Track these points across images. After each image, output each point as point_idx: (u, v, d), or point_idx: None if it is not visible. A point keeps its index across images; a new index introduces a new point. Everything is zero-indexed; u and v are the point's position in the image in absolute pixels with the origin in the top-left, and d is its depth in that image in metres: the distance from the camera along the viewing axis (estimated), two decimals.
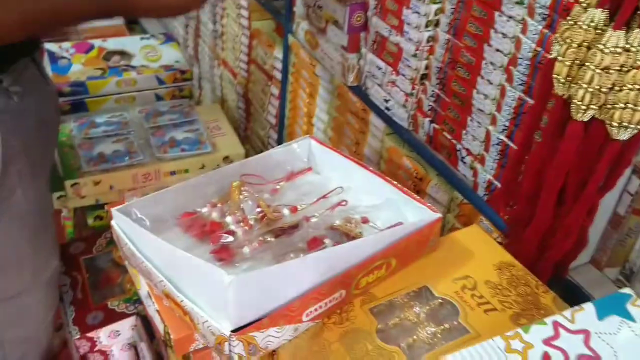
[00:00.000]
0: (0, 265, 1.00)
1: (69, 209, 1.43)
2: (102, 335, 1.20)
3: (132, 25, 2.67)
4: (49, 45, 1.60)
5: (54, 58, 1.56)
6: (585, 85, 0.62)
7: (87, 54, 1.59)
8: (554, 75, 0.66)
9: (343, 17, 1.11)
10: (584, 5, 0.62)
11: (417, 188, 1.07)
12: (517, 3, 0.78)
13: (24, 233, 1.02)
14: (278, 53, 1.50)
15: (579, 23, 0.62)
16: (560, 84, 0.65)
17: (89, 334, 1.18)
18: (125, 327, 1.21)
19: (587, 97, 0.62)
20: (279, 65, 1.50)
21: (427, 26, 0.95)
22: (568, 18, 0.64)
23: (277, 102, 1.57)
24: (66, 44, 1.61)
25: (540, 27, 0.75)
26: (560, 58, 0.64)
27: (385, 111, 1.10)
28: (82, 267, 1.31)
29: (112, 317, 1.21)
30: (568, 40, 0.63)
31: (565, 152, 0.66)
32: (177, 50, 1.71)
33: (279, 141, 1.58)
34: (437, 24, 0.94)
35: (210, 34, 1.89)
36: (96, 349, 1.21)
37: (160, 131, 1.45)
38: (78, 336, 1.17)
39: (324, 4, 1.17)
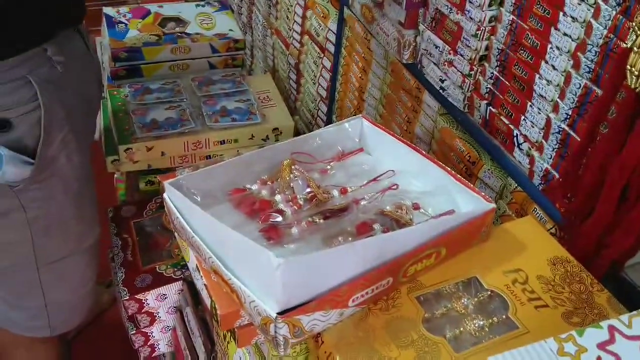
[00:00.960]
0: (45, 228, 1.04)
1: (121, 172, 1.47)
2: (150, 298, 1.24)
3: None
4: (107, 10, 1.62)
5: (111, 22, 1.58)
6: None
7: (143, 19, 1.60)
8: (628, 67, 0.62)
9: None
10: None
11: (468, 172, 1.05)
12: None
13: (69, 198, 1.05)
14: (332, 25, 1.48)
15: None
16: (634, 77, 0.61)
17: (137, 296, 1.22)
18: (172, 292, 1.25)
19: None
20: (333, 38, 1.48)
21: (490, 5, 0.91)
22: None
23: (328, 75, 1.55)
24: (124, 9, 1.63)
25: (614, 13, 0.71)
26: (636, 49, 0.61)
27: (440, 91, 1.07)
28: (132, 230, 1.34)
29: (160, 280, 1.24)
30: None
31: (634, 148, 0.62)
32: (231, 19, 1.70)
33: (329, 115, 1.57)
34: (501, 3, 0.90)
35: (265, 3, 1.87)
36: (144, 310, 1.25)
37: (212, 100, 1.46)
38: (127, 297, 1.21)
39: None
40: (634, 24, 0.61)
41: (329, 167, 0.79)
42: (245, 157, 0.78)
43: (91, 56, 1.10)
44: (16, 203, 0.98)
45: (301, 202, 0.71)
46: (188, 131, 1.37)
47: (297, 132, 1.61)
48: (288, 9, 1.71)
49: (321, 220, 0.69)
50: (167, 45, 1.54)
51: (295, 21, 1.68)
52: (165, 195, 0.71)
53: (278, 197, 0.72)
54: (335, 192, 0.73)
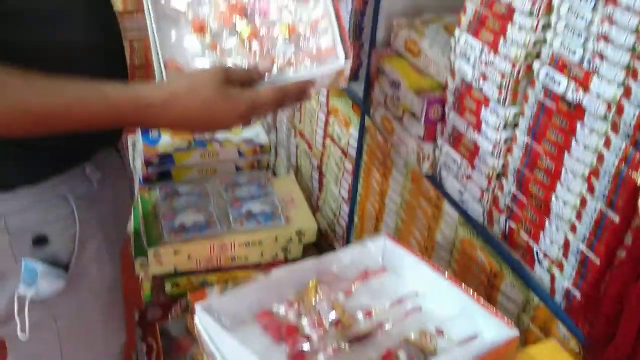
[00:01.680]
0: (74, 337, 1.06)
1: (148, 274, 1.50)
2: None
3: None
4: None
5: (144, 131, 1.68)
6: None
7: None
8: None
9: (420, 110, 1.14)
10: None
11: (490, 283, 1.06)
12: (600, 118, 0.78)
13: (98, 306, 1.07)
14: (354, 131, 1.54)
15: None
16: None
17: None
18: None
19: None
20: (354, 144, 1.54)
21: (505, 127, 0.96)
22: None
23: (350, 178, 1.60)
24: None
25: (624, 144, 0.75)
26: None
27: (460, 203, 1.11)
28: (157, 334, 1.36)
29: None
30: None
31: None
32: (257, 124, 1.79)
33: (351, 215, 1.61)
34: (516, 124, 0.95)
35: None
36: None
37: (238, 203, 1.52)
38: None
39: (401, 95, 1.20)
40: None
41: (353, 287, 0.82)
42: (273, 278, 0.81)
43: (125, 169, 1.16)
44: (47, 314, 1.01)
45: (327, 326, 0.73)
46: (214, 234, 1.41)
47: (320, 233, 1.64)
48: (312, 113, 1.80)
49: (347, 345, 0.71)
50: (196, 150, 1.62)
51: (318, 125, 1.76)
52: (196, 320, 0.74)
53: (304, 321, 0.74)
54: (360, 316, 0.75)
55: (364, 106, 1.42)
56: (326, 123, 1.71)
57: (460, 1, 1.01)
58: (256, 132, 1.76)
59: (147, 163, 1.58)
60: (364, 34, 1.43)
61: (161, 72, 0.78)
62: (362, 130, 1.47)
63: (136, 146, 1.73)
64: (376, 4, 1.31)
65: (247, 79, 0.78)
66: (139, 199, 1.52)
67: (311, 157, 1.84)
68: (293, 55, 0.82)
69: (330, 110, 1.68)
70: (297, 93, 0.81)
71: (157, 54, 0.79)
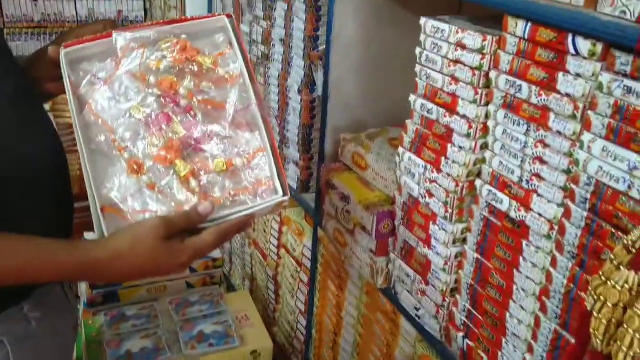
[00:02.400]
0: None
1: None
2: None
3: None
4: (87, 235, 1.65)
5: None
6: (625, 349, 0.59)
7: None
8: (591, 330, 0.63)
9: (370, 224, 1.13)
10: (615, 263, 0.62)
11: None
12: (544, 236, 0.79)
13: None
14: (307, 242, 1.53)
15: (611, 282, 0.61)
16: (599, 340, 0.63)
17: None
18: None
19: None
20: (309, 254, 1.52)
21: (454, 243, 0.96)
22: (600, 273, 0.63)
23: (306, 289, 1.56)
24: None
25: (570, 264, 0.75)
26: (595, 314, 0.63)
27: (416, 318, 1.08)
28: None
29: None
30: (602, 298, 0.62)
31: None
32: None
33: (308, 328, 1.55)
34: (464, 240, 0.95)
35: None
36: None
37: (189, 324, 1.44)
38: None
39: (351, 209, 1.20)
40: (590, 288, 0.64)
41: None
42: None
43: (68, 301, 1.10)
44: None
45: None
46: None
47: (276, 349, 1.57)
48: (264, 222, 1.78)
49: None
50: None
51: (271, 234, 1.74)
52: None
53: None
54: None
55: (315, 217, 1.41)
56: (279, 232, 1.69)
57: (401, 116, 1.04)
58: None
59: (92, 285, 1.51)
60: (312, 146, 1.46)
61: (99, 222, 0.77)
62: (315, 241, 1.45)
63: None
64: (323, 119, 1.34)
65: (188, 225, 0.78)
66: (82, 325, 1.43)
67: (266, 267, 1.80)
68: (231, 190, 0.81)
69: (283, 219, 1.66)
70: (238, 227, 0.81)
71: (94, 200, 0.77)
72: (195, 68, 0.85)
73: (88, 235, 1.67)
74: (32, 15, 2.53)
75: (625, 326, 0.60)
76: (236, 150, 0.83)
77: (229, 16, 0.90)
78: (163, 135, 0.81)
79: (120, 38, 0.83)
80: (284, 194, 0.84)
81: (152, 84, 0.83)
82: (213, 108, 0.86)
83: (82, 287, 1.58)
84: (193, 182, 0.80)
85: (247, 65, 0.88)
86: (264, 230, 1.79)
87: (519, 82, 0.78)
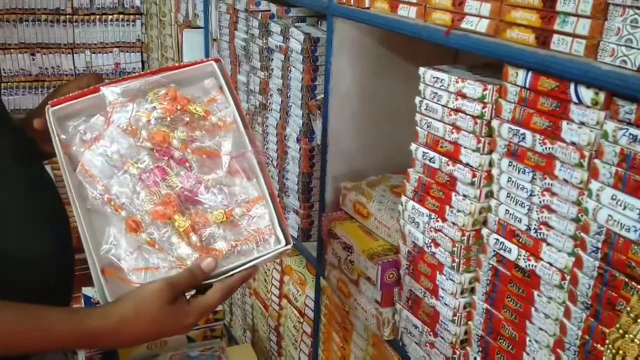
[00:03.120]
0: None
1: None
2: None
3: None
4: (85, 290, 1.63)
5: (89, 302, 1.58)
6: None
7: None
8: None
9: (375, 275, 1.11)
10: (633, 315, 0.60)
11: None
12: (556, 286, 0.77)
13: None
14: (310, 292, 1.50)
15: (630, 335, 0.59)
16: None
17: None
18: None
19: None
20: (311, 304, 1.49)
21: (462, 293, 0.94)
22: (617, 326, 0.61)
23: (309, 341, 1.52)
24: None
25: (584, 315, 0.73)
26: None
27: None
28: None
29: None
30: (622, 352, 0.60)
31: None
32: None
33: None
34: (473, 290, 0.93)
35: None
36: None
37: None
38: None
39: (355, 259, 1.18)
40: (607, 342, 0.62)
41: None
42: None
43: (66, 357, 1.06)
44: None
45: None
46: None
47: None
48: (266, 272, 1.75)
49: None
50: None
51: (273, 284, 1.71)
52: None
53: None
54: None
55: (318, 267, 1.39)
56: (281, 282, 1.66)
57: (401, 164, 1.03)
58: None
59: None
60: (312, 194, 1.45)
61: (102, 287, 0.75)
62: (318, 291, 1.42)
63: None
64: (323, 167, 1.34)
65: (192, 284, 0.77)
66: None
67: (268, 318, 1.76)
68: (233, 241, 0.80)
69: (284, 269, 1.64)
70: (242, 280, 0.79)
71: (94, 262, 0.75)
72: (187, 118, 0.85)
73: (87, 290, 1.64)
74: (30, 70, 2.55)
75: None
76: (235, 200, 0.82)
77: (217, 61, 0.89)
78: (159, 190, 0.80)
79: (108, 92, 0.82)
80: (287, 242, 0.82)
81: (144, 138, 0.82)
82: (208, 157, 0.85)
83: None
84: (194, 237, 0.78)
85: (239, 110, 0.88)
86: (265, 280, 1.76)
87: (522, 130, 0.78)
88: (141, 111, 0.82)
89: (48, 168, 1.16)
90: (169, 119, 0.83)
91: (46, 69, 2.57)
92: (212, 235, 0.79)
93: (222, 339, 1.63)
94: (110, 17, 2.61)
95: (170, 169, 0.81)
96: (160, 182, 0.81)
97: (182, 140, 0.84)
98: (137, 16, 2.65)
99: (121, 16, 2.63)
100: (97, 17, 2.60)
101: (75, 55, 2.60)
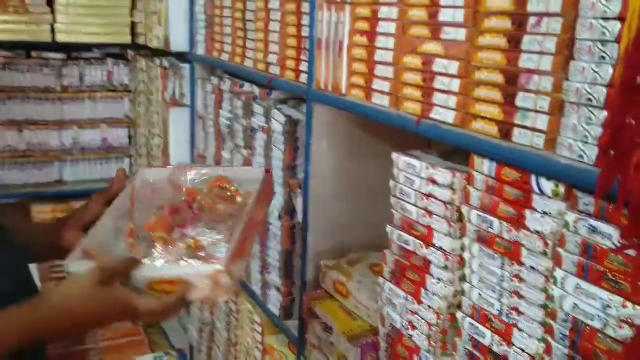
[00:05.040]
0: None
1: None
2: None
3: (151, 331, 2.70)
4: None
5: None
6: None
7: None
8: None
9: (354, 357, 1.10)
10: None
11: None
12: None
13: None
14: None
15: None
16: None
17: None
18: None
19: None
20: None
21: None
22: None
23: None
24: None
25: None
26: None
27: None
28: None
29: None
30: None
31: None
32: None
33: None
34: None
35: (225, 342, 1.89)
36: None
37: None
38: None
39: (335, 341, 1.17)
40: None
41: None
42: None
43: None
44: None
45: None
46: None
47: None
48: (247, 350, 1.72)
49: None
50: None
51: None
52: None
53: None
54: None
55: (299, 347, 1.38)
56: None
57: (381, 240, 1.05)
58: None
59: None
60: (294, 271, 1.45)
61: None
62: None
63: None
64: (303, 245, 1.35)
65: (123, 266, 0.83)
66: None
67: None
68: (184, 256, 0.88)
69: (266, 348, 1.61)
70: (179, 300, 0.83)
71: None
72: (222, 192, 1.03)
73: None
74: (16, 145, 2.58)
75: None
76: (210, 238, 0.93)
77: (267, 171, 1.08)
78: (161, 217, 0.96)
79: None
80: (222, 265, 0.83)
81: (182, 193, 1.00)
82: (216, 220, 0.97)
83: None
84: (160, 244, 0.90)
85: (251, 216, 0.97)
86: (247, 358, 1.73)
87: (490, 217, 0.81)
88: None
89: None
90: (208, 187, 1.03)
91: (33, 144, 2.60)
92: (174, 248, 0.90)
93: None
94: (99, 94, 2.68)
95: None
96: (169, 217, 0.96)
97: (206, 202, 1.00)
98: (125, 93, 2.72)
99: (110, 93, 2.69)
100: (87, 94, 2.66)
101: (63, 131, 2.64)
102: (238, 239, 0.89)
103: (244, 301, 1.70)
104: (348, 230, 1.37)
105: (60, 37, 2.50)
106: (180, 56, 2.10)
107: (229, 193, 1.02)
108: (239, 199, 1.02)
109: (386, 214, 1.02)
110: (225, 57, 1.72)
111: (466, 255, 0.87)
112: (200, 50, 1.94)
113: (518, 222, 0.77)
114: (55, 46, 2.55)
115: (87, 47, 2.67)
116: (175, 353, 1.76)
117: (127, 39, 2.61)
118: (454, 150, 0.97)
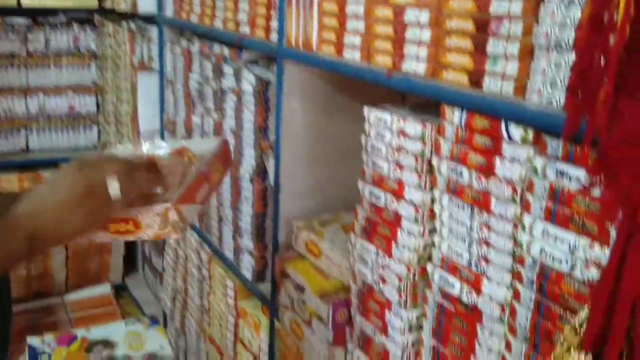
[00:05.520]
0: None
1: None
2: None
3: (120, 294, 2.69)
4: (31, 340, 1.56)
5: (34, 354, 1.51)
6: None
7: (69, 346, 1.54)
8: None
9: (327, 314, 1.10)
10: (565, 346, 0.61)
11: None
12: (497, 320, 0.78)
13: None
14: (264, 335, 1.47)
15: None
16: None
17: None
18: None
19: None
20: (266, 348, 1.46)
21: (410, 330, 0.94)
22: (552, 357, 0.63)
23: None
24: (49, 337, 1.58)
25: (524, 347, 0.74)
26: None
27: None
28: None
29: None
30: None
31: None
32: (162, 335, 1.67)
33: None
34: (420, 327, 0.94)
35: (197, 309, 1.88)
36: None
37: None
38: None
39: (307, 299, 1.17)
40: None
41: None
42: None
43: None
44: None
45: None
46: None
47: None
48: (220, 316, 1.72)
49: None
50: None
51: (228, 329, 1.67)
52: None
53: None
54: None
55: (272, 309, 1.38)
56: (236, 326, 1.63)
57: (354, 202, 1.05)
58: (160, 343, 1.63)
59: None
60: (266, 234, 1.44)
61: None
62: (273, 334, 1.40)
63: None
64: (275, 207, 1.34)
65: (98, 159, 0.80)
66: None
67: None
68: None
69: (239, 312, 1.61)
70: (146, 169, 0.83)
71: None
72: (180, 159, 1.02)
73: (32, 340, 1.58)
74: None
75: None
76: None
77: (225, 142, 1.03)
78: None
79: None
80: (171, 203, 0.83)
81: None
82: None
83: None
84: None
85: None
86: (220, 325, 1.73)
87: (460, 167, 0.81)
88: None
89: None
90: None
91: None
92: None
93: None
94: (65, 60, 2.60)
95: None
96: None
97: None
98: (92, 59, 2.65)
99: (76, 59, 2.62)
100: (52, 60, 2.58)
101: (28, 98, 2.57)
102: (189, 184, 0.89)
103: (216, 267, 1.69)
104: (321, 192, 1.36)
105: (25, 2, 2.42)
106: (149, 19, 2.04)
107: (186, 158, 1.03)
108: (195, 163, 1.03)
109: (360, 175, 1.01)
110: (194, 18, 1.67)
111: (437, 207, 0.87)
112: (168, 12, 1.88)
113: (487, 171, 0.77)
114: (21, 11, 2.46)
115: (53, 11, 2.59)
116: (147, 319, 1.74)
117: (93, 3, 2.53)
118: (427, 103, 0.96)
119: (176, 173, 0.99)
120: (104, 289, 2.61)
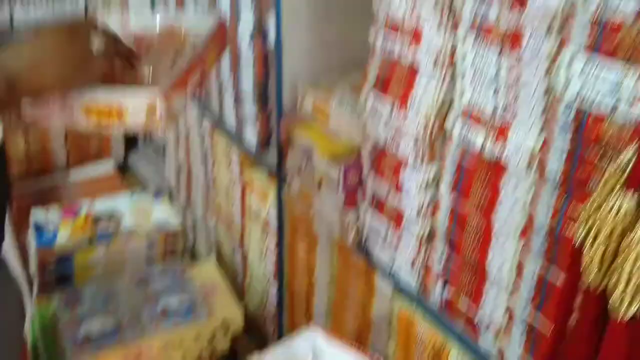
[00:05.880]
0: None
1: None
2: None
3: (123, 172, 2.66)
4: (35, 214, 1.54)
5: (39, 229, 1.50)
6: (624, 280, 0.53)
7: (74, 218, 1.53)
8: (584, 265, 0.57)
9: (337, 177, 1.05)
10: (608, 187, 0.55)
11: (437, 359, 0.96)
12: (524, 170, 0.72)
13: None
14: (272, 204, 1.44)
15: (605, 208, 0.55)
16: (593, 275, 0.57)
17: None
18: None
19: (630, 290, 0.54)
20: (274, 215, 1.44)
21: (426, 188, 0.89)
22: (591, 200, 0.57)
23: (274, 255, 1.49)
24: (53, 210, 1.56)
25: (554, 198, 0.68)
26: (587, 247, 0.56)
27: (391, 273, 1.01)
28: None
29: None
30: (596, 228, 0.55)
31: (608, 356, 0.56)
32: (168, 206, 1.65)
33: (279, 295, 1.48)
34: (437, 184, 0.88)
35: (203, 182, 1.85)
36: None
37: (152, 300, 1.36)
38: None
39: (316, 164, 1.12)
40: (580, 219, 0.58)
41: None
42: None
43: (11, 282, 1.00)
44: None
45: None
46: (126, 341, 1.24)
47: (249, 319, 1.50)
48: (227, 187, 1.69)
49: None
50: (100, 245, 1.46)
51: (234, 199, 1.65)
52: None
53: None
54: None
55: (279, 176, 1.33)
56: (243, 196, 1.60)
57: (363, 61, 0.96)
58: (167, 214, 1.62)
59: (42, 267, 1.40)
60: (269, 102, 1.36)
61: None
62: (280, 202, 1.37)
63: (29, 249, 1.55)
64: (278, 70, 1.25)
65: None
66: (36, 310, 1.33)
67: (231, 235, 1.72)
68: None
69: (245, 181, 1.57)
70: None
71: None
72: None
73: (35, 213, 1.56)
74: None
75: (623, 255, 0.54)
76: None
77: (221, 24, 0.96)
78: None
79: None
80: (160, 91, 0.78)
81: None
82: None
83: (33, 269, 1.47)
84: None
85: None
86: (226, 195, 1.70)
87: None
88: None
89: None
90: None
91: None
92: None
93: (184, 256, 1.58)
94: None
95: None
96: None
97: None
98: None
99: None
100: None
101: None
102: (182, 70, 0.80)
103: (220, 138, 1.63)
104: (327, 50, 1.26)
105: None
106: None
107: (178, 38, 0.95)
108: (189, 40, 0.94)
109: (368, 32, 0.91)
110: None
111: (459, 51, 0.77)
112: None
113: (520, 2, 0.67)
114: None
115: None
116: (152, 190, 1.72)
117: None
118: None
119: (167, 55, 0.89)
120: (107, 166, 2.57)
